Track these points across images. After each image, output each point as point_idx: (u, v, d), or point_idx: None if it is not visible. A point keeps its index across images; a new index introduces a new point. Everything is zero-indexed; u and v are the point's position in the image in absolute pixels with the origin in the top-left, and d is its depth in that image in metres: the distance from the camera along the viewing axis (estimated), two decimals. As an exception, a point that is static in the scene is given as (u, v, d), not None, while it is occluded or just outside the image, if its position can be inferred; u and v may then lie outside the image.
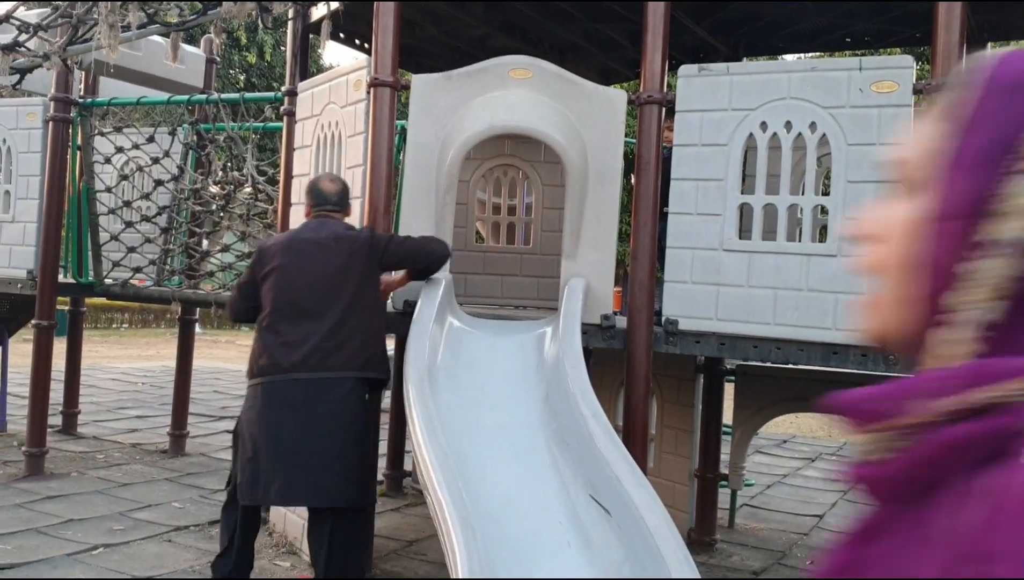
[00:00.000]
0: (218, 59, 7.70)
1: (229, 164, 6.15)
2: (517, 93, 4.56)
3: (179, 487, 6.48)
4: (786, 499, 7.17)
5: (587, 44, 5.97)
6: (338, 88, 5.02)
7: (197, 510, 5.89)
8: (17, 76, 4.34)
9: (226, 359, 16.68)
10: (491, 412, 3.85)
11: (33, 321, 6.47)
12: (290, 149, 5.59)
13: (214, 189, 6.37)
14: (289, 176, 5.58)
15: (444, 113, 4.59)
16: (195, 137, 6.44)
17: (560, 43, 5.98)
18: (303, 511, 4.97)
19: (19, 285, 6.55)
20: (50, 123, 6.42)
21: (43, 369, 6.51)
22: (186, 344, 7.73)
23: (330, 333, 3.99)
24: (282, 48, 21.63)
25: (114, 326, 22.33)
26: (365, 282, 4.13)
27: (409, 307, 4.52)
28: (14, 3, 4.51)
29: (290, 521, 5.18)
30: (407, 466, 6.77)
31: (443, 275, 4.43)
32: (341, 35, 5.99)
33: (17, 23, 4.23)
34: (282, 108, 5.64)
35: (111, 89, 7.24)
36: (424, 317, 4.08)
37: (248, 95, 6.08)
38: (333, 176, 4.52)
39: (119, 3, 4.22)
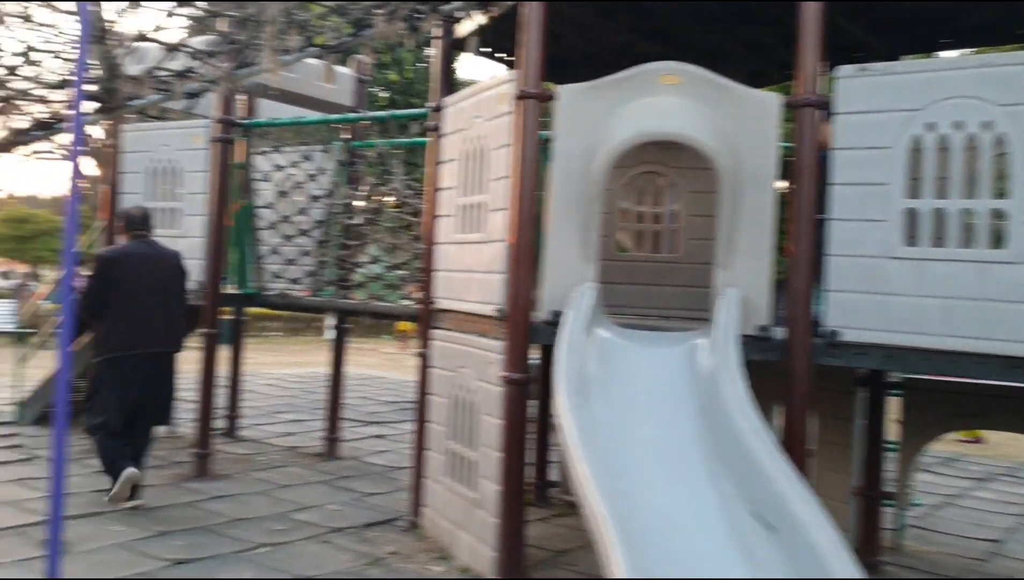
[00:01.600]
0: (367, 78, 7.97)
1: (379, 179, 6.33)
2: (666, 99, 4.50)
3: (334, 490, 6.71)
4: (957, 521, 6.78)
5: (735, 47, 5.83)
6: (484, 102, 5.09)
7: (353, 513, 6.08)
8: (189, 100, 4.59)
9: (371, 366, 17.22)
10: (644, 426, 3.80)
11: (200, 330, 6.84)
12: (435, 163, 5.70)
13: (363, 203, 6.58)
14: (435, 189, 5.70)
15: (591, 122, 4.58)
16: (347, 154, 6.68)
17: (706, 47, 5.87)
18: (455, 517, 5.06)
19: (189, 296, 6.95)
20: (214, 143, 6.79)
21: (209, 375, 6.88)
22: (339, 351, 8.00)
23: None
24: (420, 64, 22.21)
25: (266, 334, 23.44)
26: None
27: (555, 316, 4.53)
28: (182, 30, 4.81)
29: (442, 526, 5.27)
30: (552, 476, 6.78)
31: (590, 285, 4.41)
32: (484, 49, 6.08)
33: (190, 50, 4.48)
34: (427, 124, 5.76)
35: (268, 110, 7.61)
36: (573, 327, 4.08)
37: (396, 112, 6.27)
38: None
39: (280, 28, 4.42)
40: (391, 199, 6.20)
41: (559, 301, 4.55)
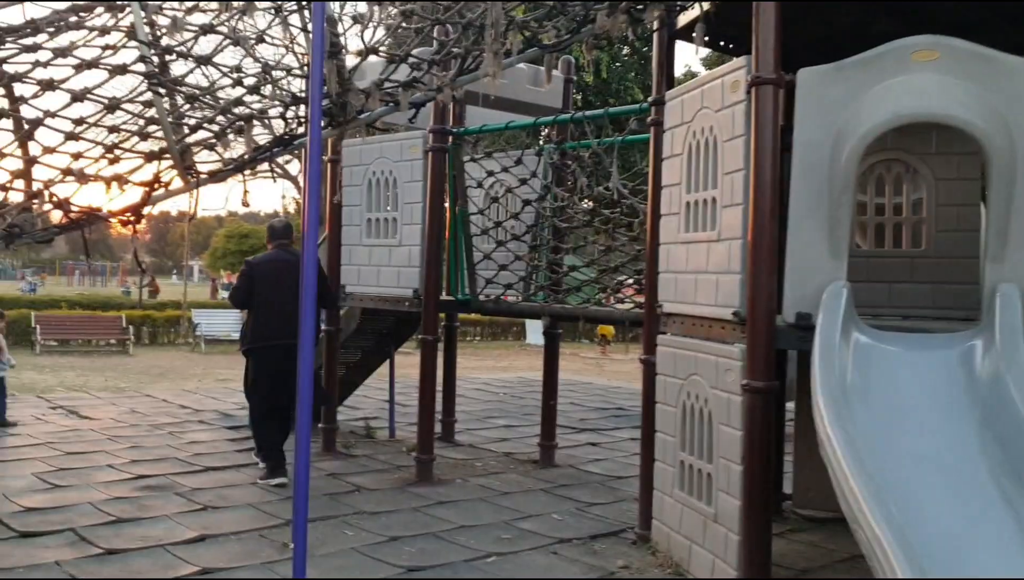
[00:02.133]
0: (575, 78, 7.84)
1: (592, 180, 6.17)
2: (922, 77, 4.06)
3: (555, 498, 6.61)
4: None
5: (992, 19, 5.23)
6: (711, 92, 4.81)
7: (577, 523, 5.95)
8: (414, 111, 4.60)
9: (574, 371, 17.15)
10: (915, 438, 3.41)
11: (419, 335, 6.94)
12: (658, 160, 5.47)
13: (576, 205, 6.44)
14: (658, 187, 5.47)
15: (835, 107, 4.21)
16: (559, 156, 6.56)
17: (956, 21, 5.29)
18: (690, 532, 4.80)
19: (406, 303, 7.08)
20: (429, 153, 6.88)
21: (429, 380, 6.96)
22: (552, 357, 7.92)
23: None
24: (617, 64, 21.97)
25: (468, 339, 23.95)
26: None
27: (800, 319, 4.19)
28: (402, 41, 4.84)
29: (675, 542, 5.02)
30: (785, 488, 6.38)
31: (841, 284, 4.04)
32: (706, 38, 5.78)
33: (414, 60, 4.49)
34: (649, 119, 5.54)
35: (476, 117, 7.64)
36: (828, 331, 3.74)
37: (612, 109, 6.08)
38: None
39: (502, 30, 4.33)
40: (609, 200, 6.02)
41: (805, 302, 4.21)
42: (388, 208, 7.27)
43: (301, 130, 4.63)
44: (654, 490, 5.37)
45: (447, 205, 7.08)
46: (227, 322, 20.26)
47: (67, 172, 4.16)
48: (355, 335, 8.28)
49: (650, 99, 5.58)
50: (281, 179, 34.49)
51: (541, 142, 6.84)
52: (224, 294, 37.42)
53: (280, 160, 31.23)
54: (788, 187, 4.31)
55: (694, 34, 4.92)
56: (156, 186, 4.29)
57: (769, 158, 4.28)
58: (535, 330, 24.65)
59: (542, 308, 6.62)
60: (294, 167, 31.85)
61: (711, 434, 4.74)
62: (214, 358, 17.95)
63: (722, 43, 5.92)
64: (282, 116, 4.39)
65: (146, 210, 4.40)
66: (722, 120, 4.66)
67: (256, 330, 6.81)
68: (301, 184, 32.52)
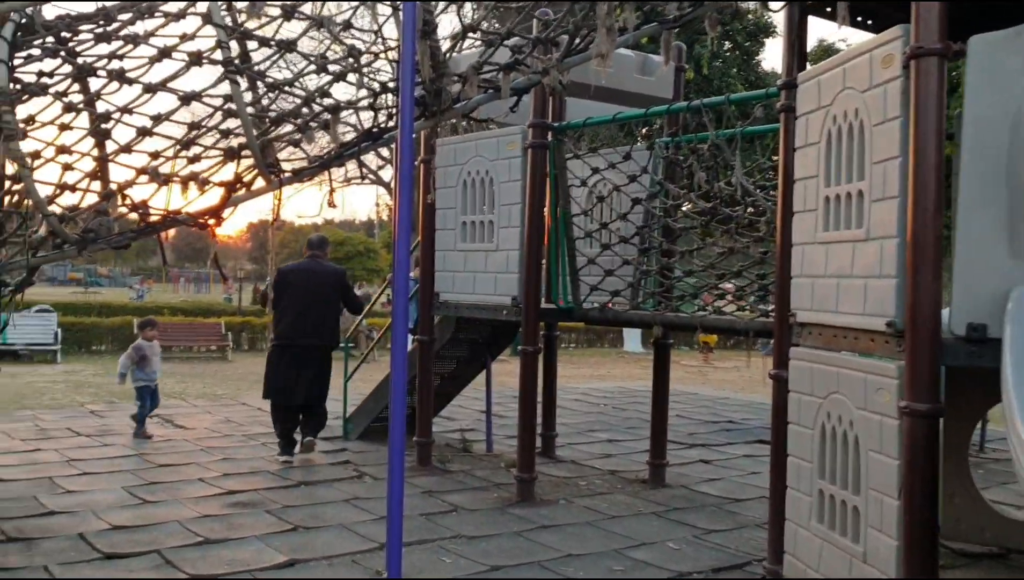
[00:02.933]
0: (686, 67, 7.26)
1: (713, 175, 5.59)
2: None
3: (668, 523, 6.04)
4: None
5: None
6: (857, 69, 4.18)
7: (695, 553, 5.38)
8: (515, 99, 4.11)
9: (676, 379, 16.35)
10: None
11: (520, 347, 6.47)
12: (789, 150, 4.86)
13: (692, 204, 5.87)
14: (789, 181, 4.86)
15: (1016, 78, 3.55)
16: (673, 150, 6.00)
17: None
18: (832, 572, 4.18)
19: (504, 311, 6.61)
20: (529, 150, 6.40)
21: (529, 394, 6.49)
22: (662, 369, 7.34)
23: None
24: (718, 61, 21.14)
25: (563, 346, 23.39)
26: None
27: (975, 332, 3.54)
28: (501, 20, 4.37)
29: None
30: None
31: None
32: (828, 10, 5.15)
33: (516, 41, 4.00)
34: (778, 105, 4.93)
35: (575, 112, 7.13)
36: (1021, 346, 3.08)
37: (735, 96, 5.48)
38: None
39: (615, 3, 3.81)
40: (732, 196, 5.43)
41: (978, 311, 3.57)
42: (484, 210, 6.84)
43: (392, 124, 4.21)
44: (786, 520, 4.75)
45: (547, 206, 6.58)
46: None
47: (142, 171, 3.82)
48: (449, 345, 7.87)
49: (779, 82, 4.97)
50: (375, 185, 34.59)
51: (642, 138, 6.29)
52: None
53: (372, 165, 31.33)
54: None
55: (831, 8, 4.28)
56: (237, 186, 3.91)
57: (933, 143, 3.64)
58: (633, 337, 23.92)
59: (653, 317, 6.06)
60: (387, 173, 31.88)
61: (858, 462, 4.11)
62: (310, 365, 17.88)
63: (859, 18, 5.26)
64: (371, 106, 3.97)
65: (227, 212, 4.02)
66: (871, 101, 4.03)
67: (278, 329, 7.73)
68: (393, 188, 32.67)
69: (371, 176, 33.03)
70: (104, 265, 68.26)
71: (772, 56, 47.28)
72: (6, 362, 15.62)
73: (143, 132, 3.60)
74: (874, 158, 4.01)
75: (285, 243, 79.43)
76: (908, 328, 3.69)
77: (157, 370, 8.95)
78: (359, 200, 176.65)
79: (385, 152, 29.77)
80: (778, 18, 29.15)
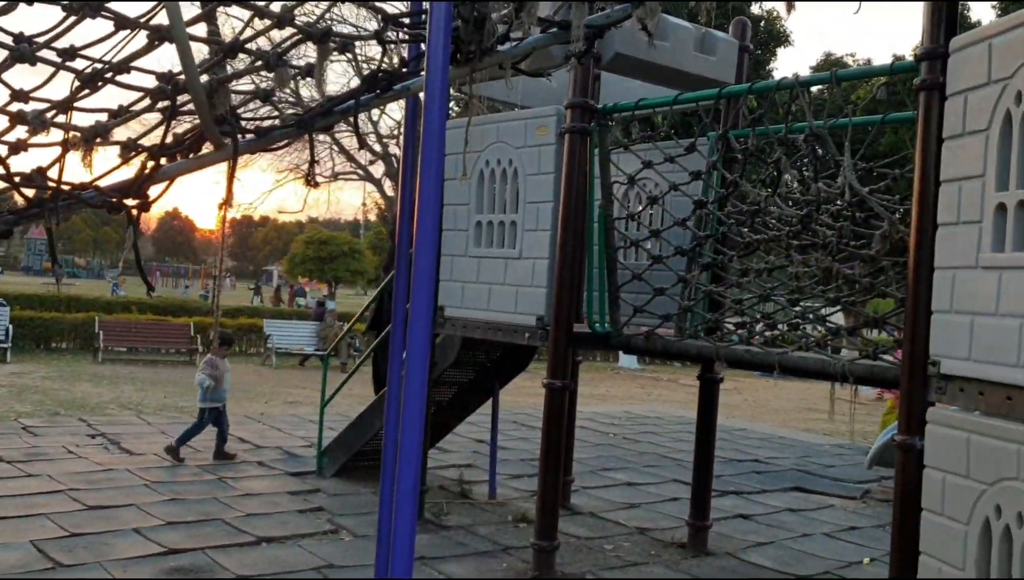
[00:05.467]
0: (751, 47, 5.99)
1: (811, 174, 4.33)
2: None
3: (727, 617, 4.76)
4: None
5: None
6: (1070, 23, 2.94)
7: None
8: (585, 45, 2.83)
9: (680, 403, 15.16)
10: None
11: (545, 380, 5.18)
12: (930, 141, 3.62)
13: (776, 209, 4.60)
14: (929, 182, 3.61)
15: None
16: (751, 142, 4.73)
17: None
18: None
19: (527, 334, 5.32)
20: (566, 136, 5.13)
21: (555, 441, 5.19)
22: (709, 407, 6.07)
23: None
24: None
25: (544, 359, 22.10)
26: None
27: None
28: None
29: None
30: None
31: None
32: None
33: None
34: (917, 80, 3.67)
35: (615, 93, 5.87)
36: None
37: (843, 71, 4.22)
38: None
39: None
40: (837, 201, 4.16)
41: None
42: (506, 209, 5.55)
43: (407, 70, 2.90)
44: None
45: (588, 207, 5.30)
46: (302, 335, 18.86)
47: (18, 119, 2.46)
48: (451, 368, 6.56)
49: (918, 50, 3.71)
50: (364, 181, 33.16)
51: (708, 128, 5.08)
52: (302, 302, 36.50)
53: (362, 159, 29.85)
54: None
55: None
56: (165, 149, 2.58)
57: None
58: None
59: (716, 349, 4.78)
60: (378, 169, 30.44)
61: (1055, 585, 2.86)
62: (285, 374, 16.51)
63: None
64: (379, 38, 2.67)
65: (157, 190, 2.69)
66: (1100, 66, 2.78)
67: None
68: (386, 189, 31.08)
69: (359, 171, 31.57)
70: (81, 255, 66.50)
71: (784, 65, 46.39)
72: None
73: (15, 57, 2.28)
74: (1105, 149, 2.76)
75: (268, 240, 77.82)
76: None
77: (228, 390, 8.32)
78: (346, 198, 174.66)
79: (376, 144, 28.39)
80: (791, 25, 28.06)
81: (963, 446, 3.31)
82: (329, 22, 3.06)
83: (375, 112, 25.79)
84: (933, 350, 3.55)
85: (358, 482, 7.06)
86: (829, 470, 9.30)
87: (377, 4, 2.90)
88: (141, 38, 2.42)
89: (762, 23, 25.14)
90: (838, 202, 4.29)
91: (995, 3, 20.94)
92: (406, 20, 2.91)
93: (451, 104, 6.14)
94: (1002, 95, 3.24)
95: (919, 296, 3.63)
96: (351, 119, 2.92)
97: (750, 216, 4.72)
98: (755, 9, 24.60)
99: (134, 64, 2.61)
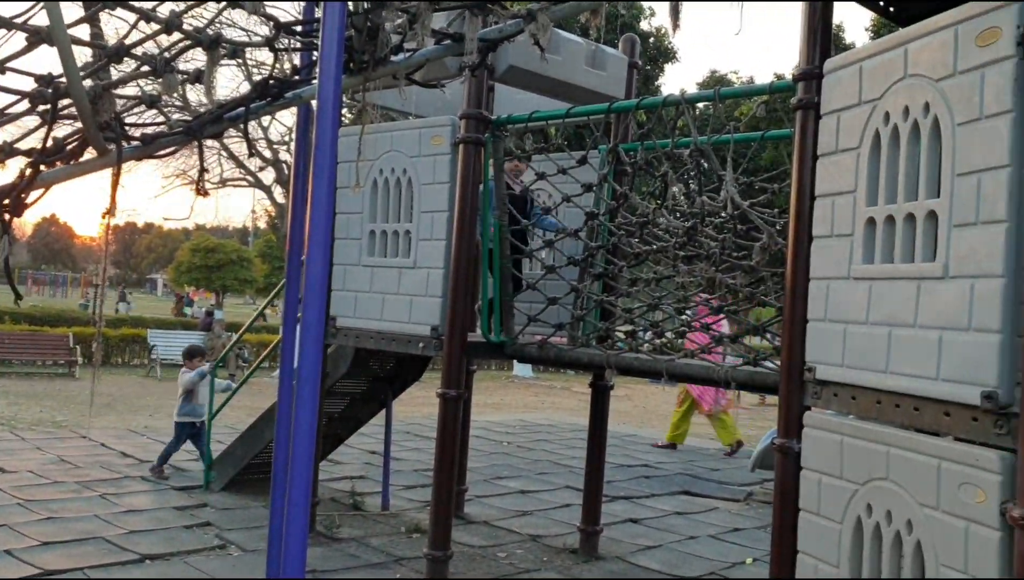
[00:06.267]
0: (639, 63, 6.16)
1: (695, 187, 4.49)
2: None
3: (617, 619, 4.86)
4: None
5: None
6: (927, 52, 3.15)
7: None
8: (478, 58, 2.88)
9: (570, 410, 15.38)
10: None
11: (439, 390, 5.19)
12: (805, 157, 3.80)
13: (663, 221, 4.75)
14: (804, 196, 3.79)
15: None
16: (639, 156, 4.87)
17: None
18: None
19: (420, 344, 5.32)
20: (460, 146, 5.16)
21: (448, 451, 5.19)
22: (600, 414, 6.20)
23: None
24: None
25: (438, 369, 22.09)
26: None
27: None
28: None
29: None
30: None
31: None
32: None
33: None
34: (794, 100, 3.86)
35: (507, 105, 5.94)
36: None
37: (726, 90, 4.40)
38: None
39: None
40: (719, 214, 4.33)
41: None
42: (400, 218, 5.54)
43: (299, 77, 2.90)
44: (794, 640, 3.65)
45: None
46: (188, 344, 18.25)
47: None
48: (344, 379, 6.49)
49: (795, 71, 3.90)
50: (253, 188, 32.42)
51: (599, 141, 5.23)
52: (190, 311, 35.27)
53: (251, 166, 29.14)
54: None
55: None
56: (46, 155, 2.52)
57: (1073, 146, 2.61)
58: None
59: (606, 357, 4.90)
60: (268, 175, 29.82)
61: (922, 576, 3.05)
62: (171, 386, 15.90)
63: (881, 2, 4.27)
64: (270, 45, 2.65)
65: (35, 196, 2.62)
66: (956, 91, 2.99)
67: None
68: (276, 196, 30.43)
69: (249, 177, 30.86)
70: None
71: (672, 81, 47.76)
72: None
73: None
74: (958, 169, 2.97)
75: (152, 247, 75.05)
76: (1027, 405, 2.63)
77: (204, 404, 7.66)
78: (234, 204, 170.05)
79: (267, 150, 27.82)
80: (677, 43, 28.95)
81: (837, 448, 3.49)
82: (219, 27, 2.99)
83: (265, 118, 25.30)
84: (809, 357, 3.73)
85: (248, 495, 6.90)
86: (715, 474, 9.59)
87: (269, 11, 2.87)
88: (19, 39, 2.35)
89: (651, 39, 25.86)
90: (722, 214, 4.47)
91: (869, 28, 22.17)
92: (299, 28, 2.91)
93: (344, 111, 6.11)
94: (872, 115, 3.44)
95: (795, 305, 3.81)
96: (241, 125, 2.89)
97: (639, 227, 4.86)
98: (644, 26, 25.29)
99: (10, 65, 2.53)
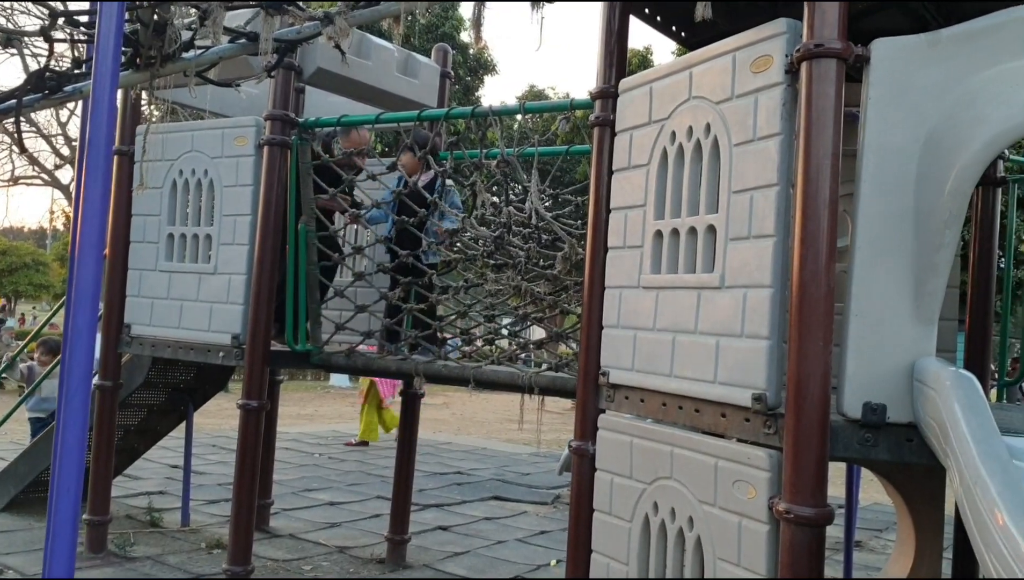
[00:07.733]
0: (451, 72, 6.22)
1: (502, 198, 4.59)
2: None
3: (421, 625, 4.86)
4: None
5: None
6: (711, 75, 3.36)
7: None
8: (274, 59, 2.83)
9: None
10: None
11: (240, 401, 5.02)
12: (602, 173, 3.96)
13: (472, 231, 4.82)
14: (601, 209, 3.95)
15: (928, 97, 2.86)
16: (449, 165, 4.92)
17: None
18: None
19: (221, 354, 5.14)
20: (265, 148, 5.03)
21: (249, 463, 5.03)
22: (411, 422, 6.18)
23: None
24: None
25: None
26: None
27: (874, 414, 2.80)
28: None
29: None
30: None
31: (964, 372, 2.64)
32: (647, 11, 4.37)
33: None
34: (592, 116, 4.02)
35: (318, 106, 5.86)
36: (988, 442, 2.29)
37: (531, 104, 4.52)
38: None
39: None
40: (526, 224, 4.44)
41: (876, 388, 2.83)
42: (201, 221, 5.33)
43: (81, 71, 2.74)
44: (587, 635, 3.79)
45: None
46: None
47: None
48: (141, 390, 6.16)
49: (593, 89, 4.06)
50: (50, 186, 30.20)
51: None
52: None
53: (47, 163, 27.15)
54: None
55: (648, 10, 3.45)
56: None
57: (829, 164, 2.86)
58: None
59: (416, 367, 4.90)
60: (66, 174, 27.88)
61: (698, 569, 3.24)
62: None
63: (674, 27, 4.53)
64: (46, 35, 2.49)
65: None
66: (733, 114, 3.21)
67: None
68: (73, 193, 28.56)
69: (44, 176, 28.76)
70: None
71: (492, 92, 48.41)
72: None
73: None
74: (738, 185, 3.18)
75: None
76: (790, 405, 2.84)
77: (53, 399, 6.79)
78: (30, 204, 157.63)
79: (66, 148, 26.00)
80: (498, 55, 29.51)
81: (627, 449, 3.65)
82: (7, 12, 2.78)
83: (63, 113, 23.66)
84: (604, 362, 3.88)
85: (30, 516, 6.41)
86: (525, 478, 9.79)
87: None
88: None
89: (471, 51, 26.18)
90: (529, 225, 4.59)
91: (675, 51, 23.41)
92: (83, 19, 2.75)
93: (150, 109, 5.80)
94: (660, 134, 3.63)
95: (592, 312, 3.96)
96: (22, 119, 2.71)
97: (449, 235, 4.91)
98: (465, 37, 25.56)
99: None
